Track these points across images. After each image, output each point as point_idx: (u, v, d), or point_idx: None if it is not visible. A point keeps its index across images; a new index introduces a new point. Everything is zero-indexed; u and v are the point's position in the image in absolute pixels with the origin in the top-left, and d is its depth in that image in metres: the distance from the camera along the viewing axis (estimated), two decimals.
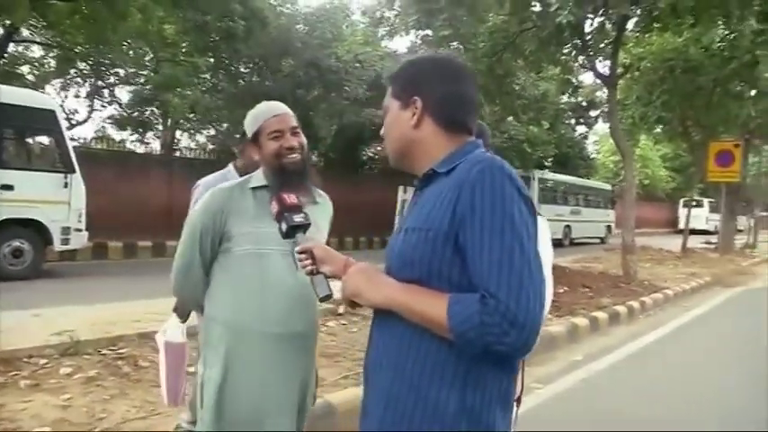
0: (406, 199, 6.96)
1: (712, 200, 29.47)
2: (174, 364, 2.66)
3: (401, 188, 7.07)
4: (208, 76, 16.64)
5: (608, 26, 11.95)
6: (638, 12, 11.36)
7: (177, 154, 17.31)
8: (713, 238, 23.06)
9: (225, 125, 18.09)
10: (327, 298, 1.52)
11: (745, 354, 6.44)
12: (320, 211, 2.06)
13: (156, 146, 19.29)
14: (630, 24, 12.57)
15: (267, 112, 1.96)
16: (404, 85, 1.37)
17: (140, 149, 18.24)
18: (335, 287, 1.48)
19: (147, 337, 4.79)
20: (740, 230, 24.27)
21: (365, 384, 1.37)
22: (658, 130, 20.50)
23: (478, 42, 13.34)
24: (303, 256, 1.52)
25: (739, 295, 11.39)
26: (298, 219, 1.60)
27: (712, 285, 12.02)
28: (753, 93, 16.19)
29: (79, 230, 8.71)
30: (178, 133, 19.96)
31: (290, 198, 1.64)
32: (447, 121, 1.34)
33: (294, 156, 1.92)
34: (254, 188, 1.95)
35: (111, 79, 16.93)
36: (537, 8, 12.14)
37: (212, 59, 15.73)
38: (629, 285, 10.06)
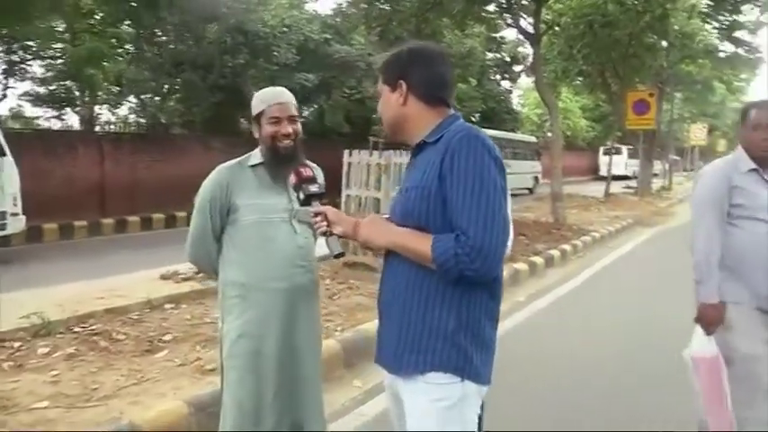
0: (352, 162, 7.16)
1: (630, 146, 31.00)
2: (712, 382, 2.45)
3: (347, 152, 7.25)
4: (130, 46, 16.04)
5: None
6: None
7: (98, 128, 16.74)
8: (632, 183, 24.44)
9: (148, 96, 17.58)
10: (341, 255, 1.80)
11: (667, 284, 7.11)
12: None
13: (73, 121, 18.54)
14: None
15: (272, 99, 2.20)
16: (391, 72, 1.69)
17: (58, 126, 17.51)
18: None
19: (115, 312, 4.93)
20: (656, 174, 25.80)
21: (380, 317, 1.71)
22: (579, 82, 21.39)
23: (406, 3, 13.47)
24: (318, 218, 1.77)
25: (659, 233, 12.32)
26: (313, 188, 1.84)
27: (634, 226, 12.92)
28: (664, 44, 17.12)
29: (16, 215, 8.47)
30: (97, 107, 19.21)
31: (306, 171, 1.89)
32: (428, 97, 1.66)
33: (288, 141, 2.18)
34: (252, 165, 2.22)
35: (24, 54, 16.03)
36: None
37: (133, 29, 15.16)
38: (560, 231, 10.72)
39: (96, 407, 3.17)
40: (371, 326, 4.64)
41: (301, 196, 1.84)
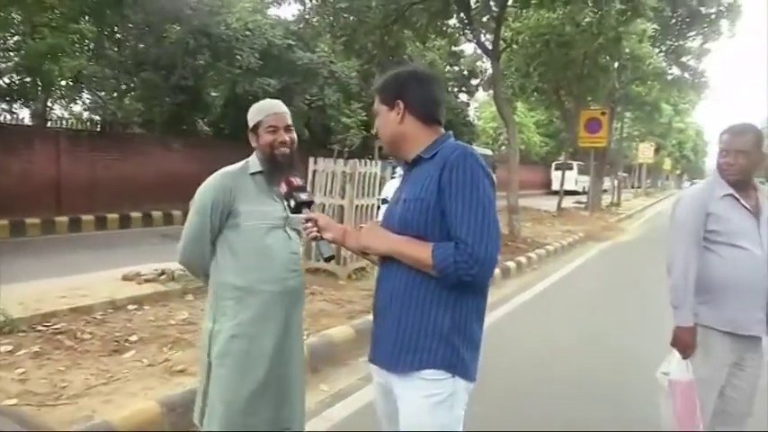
0: (317, 169, 7.27)
1: (581, 162, 31.91)
2: (687, 407, 2.50)
3: (311, 159, 7.35)
4: (90, 43, 15.74)
5: (491, 2, 12.68)
6: None
7: (50, 124, 16.33)
8: (583, 198, 25.17)
9: (104, 93, 17.26)
10: (331, 258, 1.97)
11: (620, 296, 7.48)
12: None
13: (24, 115, 18.02)
14: (511, 0, 13.41)
15: (269, 109, 2.34)
16: (389, 93, 1.84)
17: (7, 120, 16.99)
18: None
19: (79, 311, 4.91)
20: (605, 190, 26.64)
21: (376, 319, 1.86)
22: (534, 98, 21.97)
23: (370, 14, 13.65)
24: (309, 224, 1.94)
25: (609, 248, 12.80)
26: (303, 196, 1.99)
27: (585, 240, 13.38)
28: (617, 65, 17.79)
29: None
30: (50, 102, 18.71)
31: (296, 180, 2.02)
32: (424, 116, 1.82)
33: (284, 149, 2.30)
34: (252, 173, 2.33)
35: None
36: None
37: (95, 25, 14.90)
38: (515, 243, 11.02)
39: (67, 405, 3.20)
40: (335, 331, 4.77)
41: (292, 204, 1.97)
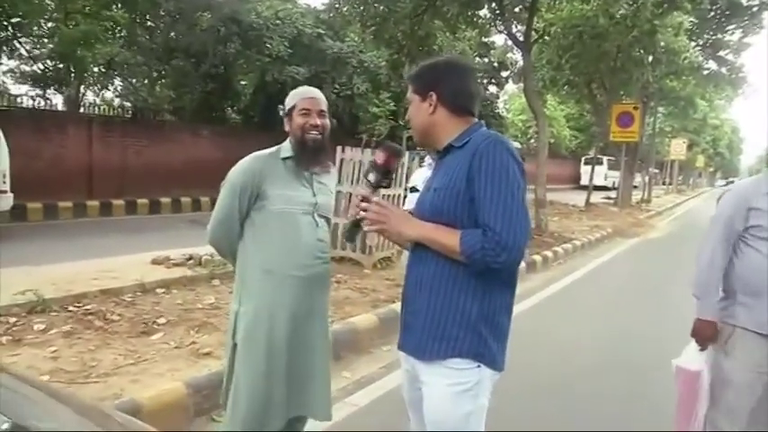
0: (344, 158, 7.28)
1: (611, 158, 31.46)
2: (688, 395, 2.53)
3: (339, 148, 7.37)
4: (123, 29, 15.96)
5: None
6: None
7: (83, 110, 16.61)
8: (612, 194, 24.84)
9: (136, 80, 17.50)
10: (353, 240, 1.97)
11: (647, 294, 7.37)
12: (332, 178, 2.53)
13: (57, 101, 18.35)
14: None
15: (303, 94, 2.36)
16: (422, 83, 1.83)
17: (42, 106, 17.32)
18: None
19: (109, 293, 5.01)
20: (635, 186, 26.23)
21: (405, 305, 1.85)
22: (565, 91, 21.68)
23: (401, 4, 13.59)
24: (364, 205, 1.80)
25: (638, 244, 12.62)
26: (386, 181, 1.86)
27: (614, 236, 13.21)
28: (651, 59, 17.45)
29: (4, 192, 8.47)
30: (82, 88, 19.02)
31: (394, 163, 1.85)
32: (455, 107, 1.81)
33: (315, 133, 2.30)
34: (284, 158, 2.33)
35: (12, 31, 15.84)
36: None
37: (127, 13, 15.10)
38: (542, 237, 10.93)
39: (96, 383, 3.26)
40: (359, 319, 4.79)
41: (372, 178, 1.83)
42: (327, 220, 2.44)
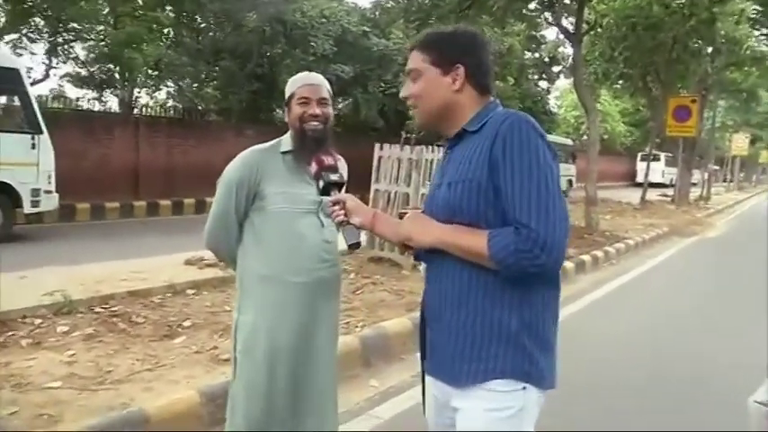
0: (383, 156, 7.07)
1: (669, 154, 30.31)
2: None
3: (377, 145, 7.16)
4: (170, 31, 16.21)
5: None
6: None
7: (136, 111, 16.95)
8: (669, 191, 23.86)
9: (186, 81, 17.75)
10: (356, 246, 1.70)
11: (703, 296, 6.88)
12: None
13: (113, 104, 18.82)
14: None
15: (302, 81, 2.12)
16: (446, 53, 1.52)
17: (97, 108, 17.78)
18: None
19: (137, 294, 4.93)
20: (694, 184, 25.14)
21: (429, 325, 1.56)
22: (619, 85, 20.93)
23: None
24: (336, 207, 1.67)
25: (695, 244, 11.97)
26: (334, 177, 1.76)
27: (670, 235, 12.56)
28: (710, 50, 16.62)
29: (49, 192, 8.60)
30: (136, 90, 19.46)
31: (328, 159, 1.80)
32: (482, 86, 1.54)
33: (316, 123, 2.07)
34: (283, 152, 2.12)
35: (67, 35, 16.31)
36: None
37: (174, 14, 15.32)
38: (593, 236, 10.45)
39: (108, 390, 3.14)
40: (391, 324, 4.56)
41: (321, 185, 1.76)
42: None
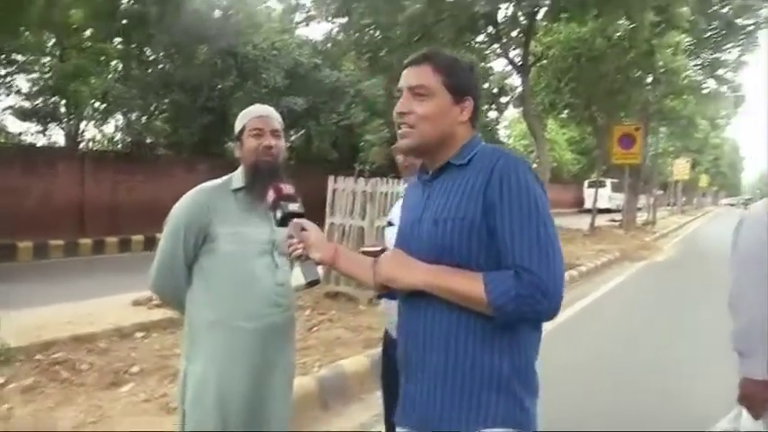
0: (337, 189, 7.02)
1: (615, 180, 31.21)
2: None
3: (331, 178, 7.11)
4: (118, 63, 15.91)
5: (520, 16, 12.42)
6: (548, 2, 11.90)
7: (82, 145, 16.50)
8: (617, 216, 24.49)
9: (135, 114, 17.41)
10: (315, 283, 1.59)
11: (658, 323, 7.00)
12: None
13: (58, 137, 18.29)
14: (540, 14, 13.14)
15: (253, 113, 2.05)
16: (461, 83, 1.47)
17: (41, 142, 17.25)
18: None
19: (83, 339, 4.69)
20: (640, 208, 25.91)
21: (407, 375, 1.47)
22: (565, 114, 21.54)
23: (396, 31, 13.53)
24: (294, 240, 1.57)
25: (646, 268, 12.26)
26: (293, 206, 1.65)
27: (620, 260, 12.84)
28: (650, 80, 17.31)
29: None
30: (83, 124, 18.99)
31: (287, 188, 1.70)
32: (476, 120, 1.51)
33: (269, 157, 1.99)
34: (235, 190, 2.02)
35: (10, 68, 15.82)
36: None
37: (122, 46, 15.06)
38: None
39: None
40: (350, 362, 4.45)
41: (279, 215, 1.64)
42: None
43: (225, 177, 2.10)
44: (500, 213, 1.32)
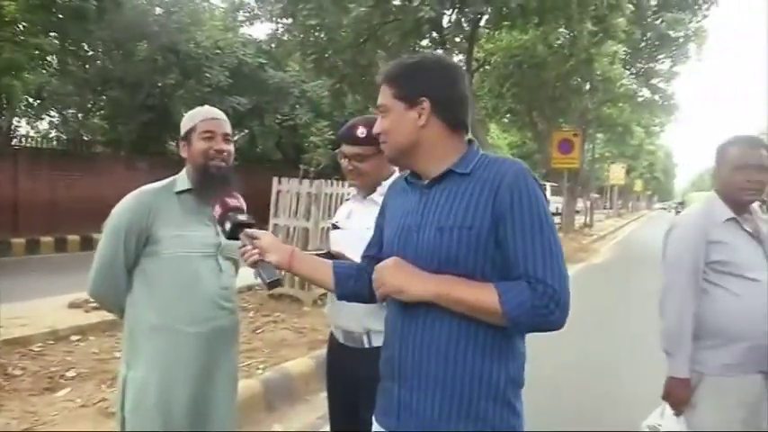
0: (281, 190, 6.99)
1: (554, 184, 32.06)
2: None
3: (276, 179, 7.07)
4: (54, 58, 15.33)
5: (464, 22, 12.63)
6: (490, 10, 12.14)
7: (15, 142, 15.85)
8: (556, 219, 25.16)
9: (71, 110, 16.85)
10: (276, 283, 1.60)
11: (598, 323, 7.25)
12: None
13: None
14: (483, 21, 13.40)
15: (204, 114, 2.02)
16: (409, 86, 1.45)
17: None
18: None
19: (15, 343, 4.53)
20: (578, 211, 26.71)
21: (401, 382, 1.45)
22: (507, 120, 22.02)
23: (342, 33, 13.53)
24: (248, 246, 1.59)
25: (584, 270, 12.66)
26: (242, 217, 1.66)
27: None
28: (588, 87, 17.90)
29: None
30: (15, 120, 18.22)
31: (233, 200, 1.71)
32: (452, 121, 1.45)
33: (220, 161, 1.97)
34: (178, 192, 2.00)
35: None
36: (398, 2, 12.60)
37: (57, 41, 14.51)
38: None
39: None
40: (295, 364, 4.46)
41: (228, 227, 1.65)
42: (235, 262, 2.11)
43: (168, 179, 2.07)
44: (510, 225, 1.33)
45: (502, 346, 1.38)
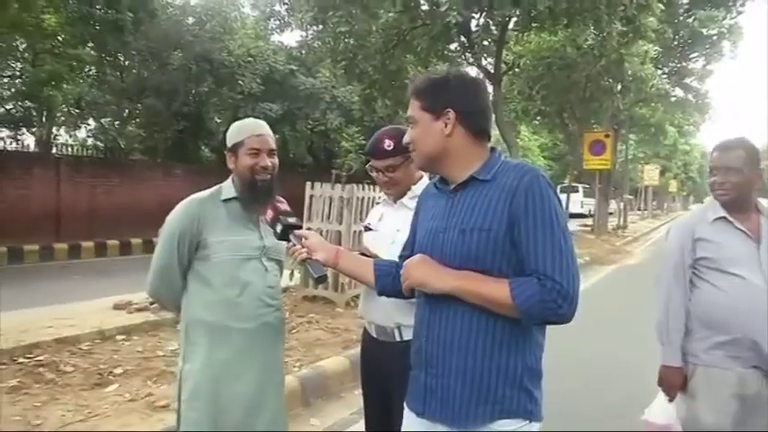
0: (314, 194, 7.14)
1: (586, 185, 31.76)
2: None
3: (308, 184, 7.23)
4: (92, 68, 15.82)
5: (492, 26, 12.67)
6: (518, 12, 12.16)
7: (55, 150, 16.37)
8: (588, 221, 24.93)
9: (108, 119, 17.32)
10: (323, 278, 1.79)
11: (628, 324, 7.25)
12: None
13: (30, 142, 18.09)
14: (512, 24, 13.42)
15: (252, 130, 2.15)
16: (436, 99, 1.59)
17: (13, 147, 17.04)
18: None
19: (64, 342, 4.76)
20: (611, 213, 26.42)
21: (427, 370, 1.58)
22: (538, 122, 21.92)
23: (371, 39, 13.70)
24: (298, 246, 1.78)
25: (616, 272, 12.59)
26: (291, 220, 1.85)
27: (592, 264, 13.15)
28: (619, 87, 17.74)
29: None
30: (54, 129, 18.80)
31: (283, 205, 1.89)
32: (475, 130, 1.60)
33: (266, 175, 2.11)
34: (225, 200, 2.15)
35: None
36: (426, 7, 12.71)
37: (95, 52, 14.99)
38: None
39: None
40: (329, 363, 4.60)
41: (279, 229, 1.83)
42: (279, 263, 2.27)
43: (214, 188, 2.22)
44: (524, 226, 1.45)
45: (518, 338, 1.50)
